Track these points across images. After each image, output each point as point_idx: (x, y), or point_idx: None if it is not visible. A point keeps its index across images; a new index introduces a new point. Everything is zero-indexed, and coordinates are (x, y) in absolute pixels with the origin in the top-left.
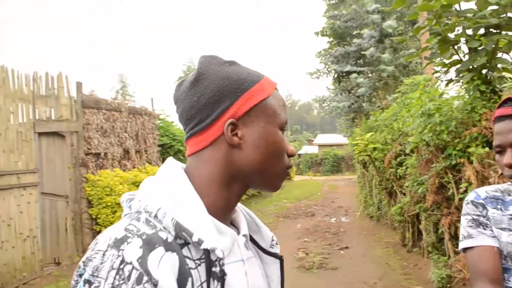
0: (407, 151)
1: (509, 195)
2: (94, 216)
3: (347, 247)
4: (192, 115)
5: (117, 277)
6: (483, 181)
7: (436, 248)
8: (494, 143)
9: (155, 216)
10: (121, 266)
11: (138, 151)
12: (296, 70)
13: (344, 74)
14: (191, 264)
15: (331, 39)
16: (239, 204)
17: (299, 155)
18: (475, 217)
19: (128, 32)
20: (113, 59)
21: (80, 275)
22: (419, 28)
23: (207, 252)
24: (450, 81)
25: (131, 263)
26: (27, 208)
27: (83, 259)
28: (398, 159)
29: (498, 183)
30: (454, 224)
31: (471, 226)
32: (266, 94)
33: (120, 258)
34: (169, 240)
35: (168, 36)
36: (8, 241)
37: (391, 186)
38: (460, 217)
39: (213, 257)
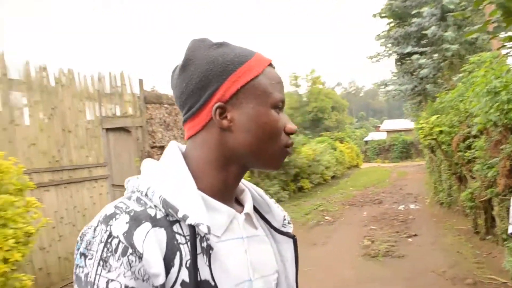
0: (473, 132)
1: None
2: None
3: (415, 235)
4: (184, 101)
5: (105, 249)
6: None
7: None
8: None
9: (146, 195)
10: (109, 240)
11: None
12: (359, 56)
13: (405, 55)
14: (180, 239)
15: (391, 20)
16: (249, 185)
17: (366, 142)
18: None
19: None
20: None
21: (78, 249)
22: (479, 1)
23: (192, 227)
24: None
25: (117, 237)
26: (99, 199)
27: (80, 234)
28: (466, 142)
29: None
30: None
31: None
32: (255, 74)
33: (108, 233)
34: (158, 216)
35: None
36: None
37: (460, 170)
38: None
39: (200, 233)
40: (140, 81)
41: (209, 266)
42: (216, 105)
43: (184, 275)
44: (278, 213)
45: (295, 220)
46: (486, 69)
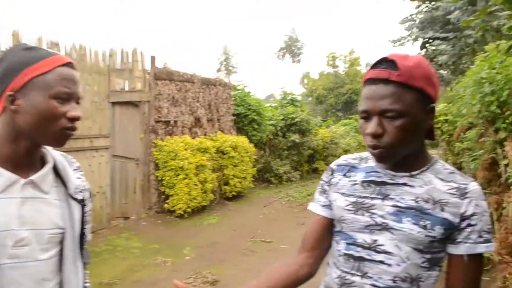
0: (458, 124)
1: (366, 162)
2: (160, 178)
3: None
4: None
5: None
6: None
7: None
8: (360, 107)
9: None
10: None
11: (210, 120)
12: (381, 40)
13: (428, 41)
14: None
15: (420, 3)
16: (60, 159)
17: None
18: (323, 183)
19: (232, 3)
20: (217, 31)
21: None
22: None
23: None
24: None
25: None
26: (98, 168)
27: None
28: (467, 133)
29: None
30: (501, 204)
31: (318, 190)
32: (42, 71)
33: None
34: None
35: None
36: None
37: (460, 162)
38: (504, 196)
39: None
40: (152, 58)
41: None
42: (7, 93)
43: None
44: (72, 182)
45: (295, 200)
46: (482, 58)
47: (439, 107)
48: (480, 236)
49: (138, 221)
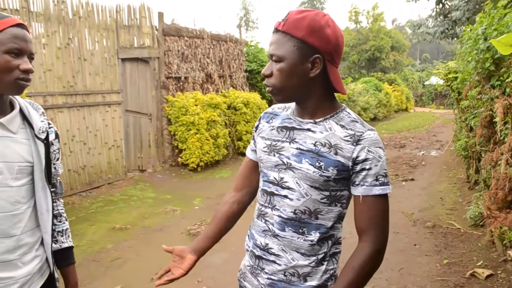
0: (454, 83)
1: (286, 111)
2: (172, 133)
3: (412, 179)
4: None
5: None
6: None
7: (488, 186)
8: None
9: None
10: None
11: (222, 76)
12: None
13: None
14: None
15: None
16: (27, 106)
17: (423, 85)
18: (254, 129)
19: None
20: None
21: None
22: None
23: None
24: None
25: None
26: (111, 122)
27: None
28: (475, 90)
29: None
30: (496, 161)
31: (252, 137)
32: None
33: None
34: None
35: None
36: (95, 148)
37: (465, 119)
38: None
39: None
40: (160, 14)
41: None
42: None
43: None
44: (37, 125)
45: None
46: (482, 14)
47: (449, 63)
48: (376, 180)
49: (154, 174)
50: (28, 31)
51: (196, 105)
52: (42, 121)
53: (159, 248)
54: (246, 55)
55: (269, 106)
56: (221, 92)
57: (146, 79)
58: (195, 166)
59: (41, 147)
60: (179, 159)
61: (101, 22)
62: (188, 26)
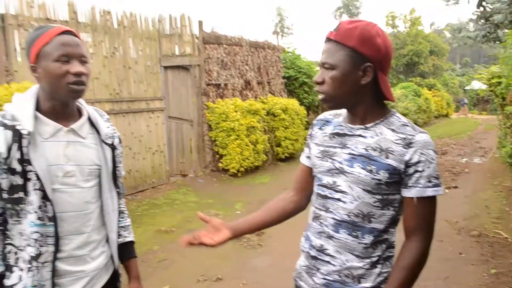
0: (497, 88)
1: (338, 118)
2: (213, 138)
3: (455, 187)
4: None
5: None
6: None
7: None
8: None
9: (5, 113)
10: None
11: (260, 83)
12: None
13: None
14: (18, 136)
15: None
16: (93, 113)
17: (465, 90)
18: (307, 137)
19: None
20: None
21: None
22: None
23: (17, 130)
24: None
25: None
26: (155, 128)
27: None
28: None
29: None
30: None
31: (305, 143)
32: (43, 43)
33: None
34: (8, 124)
35: None
36: (140, 153)
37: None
38: None
39: (24, 133)
40: (200, 23)
41: (29, 152)
42: (29, 65)
43: (17, 154)
44: (103, 131)
45: None
46: None
47: (493, 68)
48: (429, 181)
49: (195, 178)
50: (76, 36)
51: (236, 112)
52: (107, 127)
53: (204, 251)
54: (283, 61)
55: (307, 112)
56: (260, 98)
57: (187, 86)
58: (235, 172)
59: (108, 151)
60: (220, 164)
61: (144, 32)
62: (226, 34)
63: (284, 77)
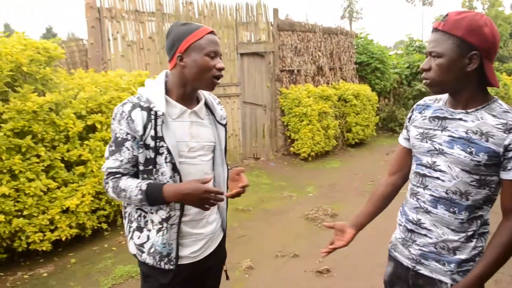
0: None
1: (438, 102)
2: (285, 123)
3: None
4: (167, 52)
5: (119, 116)
6: None
7: None
8: None
9: (140, 96)
10: (121, 113)
11: (332, 69)
12: None
13: None
14: (152, 117)
15: None
16: (209, 97)
17: None
18: (406, 119)
19: None
20: None
21: (113, 118)
22: None
23: (154, 111)
24: None
25: (124, 111)
26: (231, 113)
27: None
28: None
29: None
30: None
31: (404, 126)
32: (196, 38)
33: (121, 109)
34: (144, 105)
35: None
36: None
37: None
38: None
39: (159, 114)
40: (275, 10)
41: (162, 130)
42: (177, 54)
43: (152, 132)
44: (218, 113)
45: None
46: None
47: None
48: None
49: (267, 162)
50: (216, 36)
51: (308, 97)
52: (221, 109)
53: (280, 229)
54: (355, 47)
55: (378, 98)
56: (332, 84)
57: (261, 72)
58: (306, 156)
59: (222, 130)
60: (291, 149)
61: (222, 20)
62: (300, 21)
63: (356, 63)
